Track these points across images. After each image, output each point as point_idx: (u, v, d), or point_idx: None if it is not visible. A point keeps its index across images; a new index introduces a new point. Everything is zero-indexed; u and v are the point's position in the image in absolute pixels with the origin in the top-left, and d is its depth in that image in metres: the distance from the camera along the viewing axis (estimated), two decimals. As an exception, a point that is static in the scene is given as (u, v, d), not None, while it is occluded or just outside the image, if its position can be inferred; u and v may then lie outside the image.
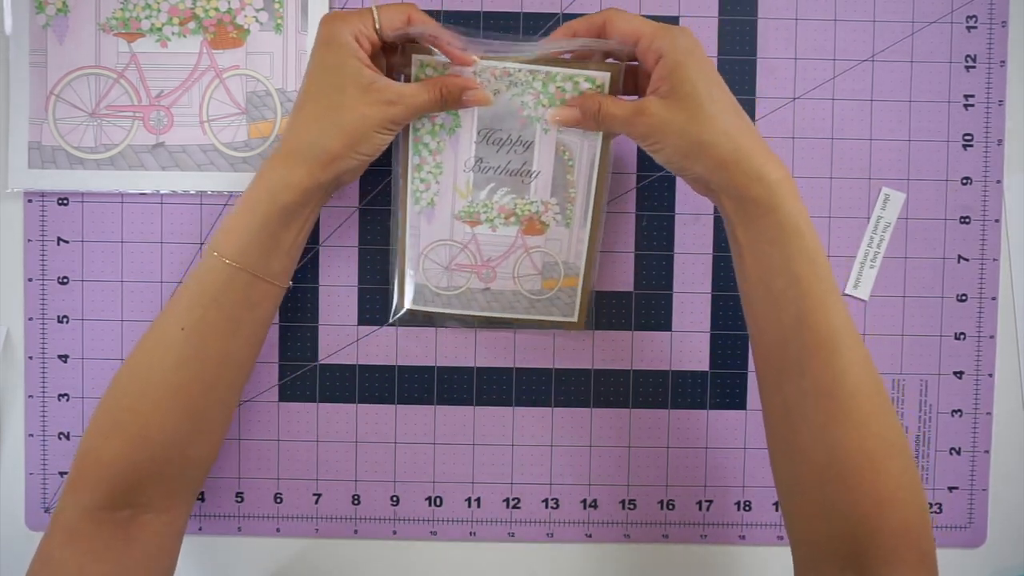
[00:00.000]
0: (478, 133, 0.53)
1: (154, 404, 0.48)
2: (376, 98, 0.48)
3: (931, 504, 0.59)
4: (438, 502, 0.59)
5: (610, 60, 0.51)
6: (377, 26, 0.48)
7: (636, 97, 0.51)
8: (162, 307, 0.57)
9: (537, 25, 0.57)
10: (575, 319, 0.56)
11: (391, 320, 0.57)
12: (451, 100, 0.51)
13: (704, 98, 0.46)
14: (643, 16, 0.49)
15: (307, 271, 0.58)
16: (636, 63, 0.50)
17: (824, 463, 0.44)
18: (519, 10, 0.57)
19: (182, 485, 0.50)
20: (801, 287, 0.45)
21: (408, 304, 0.56)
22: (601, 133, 0.52)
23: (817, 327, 0.45)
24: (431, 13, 0.57)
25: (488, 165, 0.53)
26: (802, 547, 0.47)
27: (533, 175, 0.53)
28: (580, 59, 0.51)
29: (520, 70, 0.51)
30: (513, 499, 0.59)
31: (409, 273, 0.55)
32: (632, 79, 0.52)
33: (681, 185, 0.58)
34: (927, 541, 0.44)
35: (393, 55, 0.52)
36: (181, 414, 0.49)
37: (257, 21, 0.57)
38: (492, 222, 0.54)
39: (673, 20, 0.57)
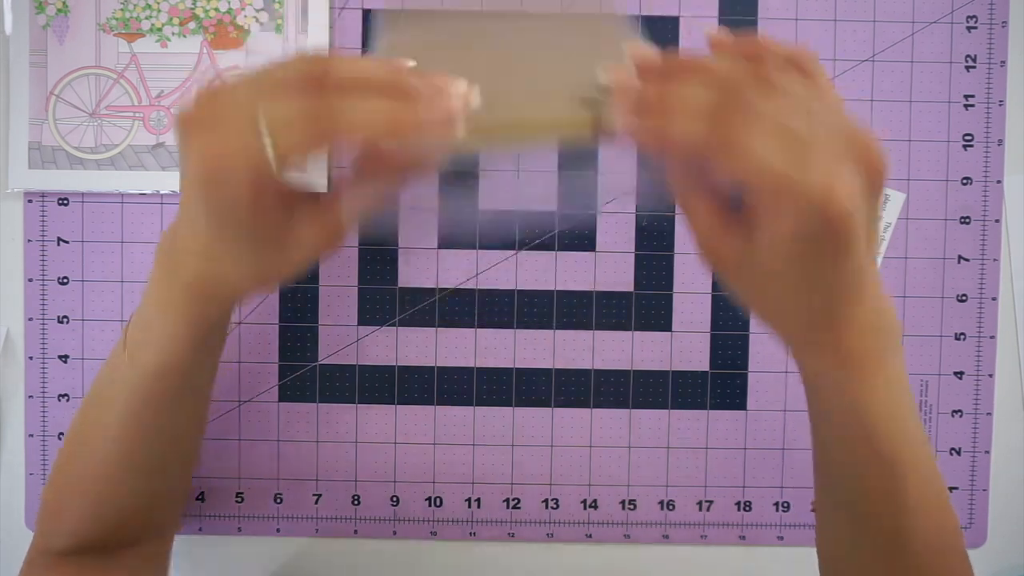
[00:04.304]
0: None
1: (104, 478, 0.45)
2: (264, 258, 0.37)
3: (931, 504, 0.59)
4: (438, 502, 0.59)
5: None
6: (270, 159, 0.32)
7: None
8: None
9: (537, 25, 0.57)
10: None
11: None
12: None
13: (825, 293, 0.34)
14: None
15: (307, 271, 0.58)
16: None
17: None
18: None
19: (154, 531, 0.50)
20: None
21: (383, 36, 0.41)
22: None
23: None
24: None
25: None
26: None
27: None
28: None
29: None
30: (513, 499, 0.59)
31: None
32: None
33: (681, 185, 0.58)
34: None
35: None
36: (134, 487, 0.46)
37: (257, 21, 0.57)
38: None
39: (673, 20, 0.57)
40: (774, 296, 0.35)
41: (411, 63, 0.33)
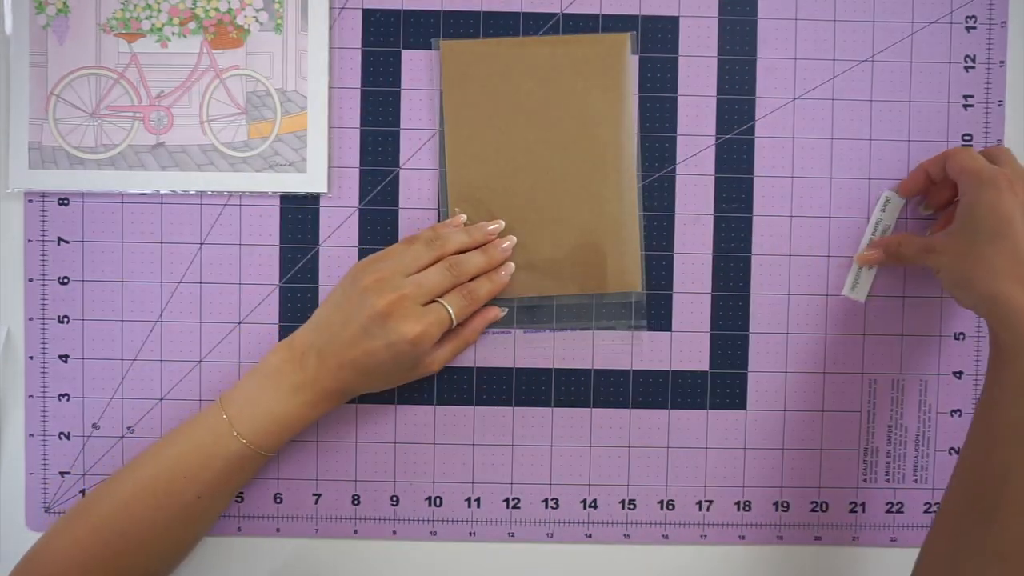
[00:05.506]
0: None
1: (168, 530, 0.52)
2: (413, 374, 0.54)
3: (931, 504, 0.59)
4: (438, 502, 0.59)
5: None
6: (453, 324, 0.53)
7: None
8: (162, 309, 0.57)
9: (537, 25, 0.57)
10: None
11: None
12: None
13: (982, 234, 0.49)
14: (975, 152, 0.52)
15: (307, 271, 0.58)
16: None
17: None
18: (519, 10, 0.57)
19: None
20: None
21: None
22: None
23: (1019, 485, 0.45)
24: (431, 13, 0.57)
25: None
26: None
27: None
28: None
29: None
30: (513, 499, 0.59)
31: None
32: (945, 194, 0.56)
33: (681, 185, 0.58)
34: None
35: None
36: (194, 539, 0.55)
37: (257, 21, 0.57)
38: None
39: (673, 20, 0.57)
40: (949, 283, 0.52)
41: (493, 226, 0.56)
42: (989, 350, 0.50)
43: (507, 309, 0.57)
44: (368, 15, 0.57)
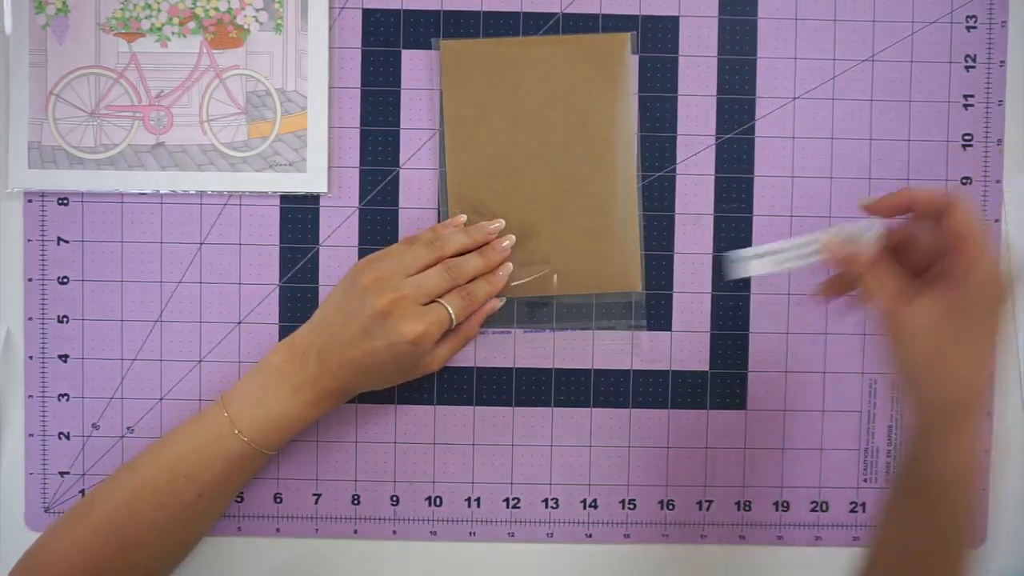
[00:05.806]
0: None
1: (170, 529, 0.52)
2: (413, 373, 0.54)
3: (931, 504, 0.59)
4: (438, 502, 0.59)
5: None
6: (452, 325, 0.53)
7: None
8: (162, 309, 0.57)
9: (537, 25, 0.57)
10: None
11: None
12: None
13: (977, 319, 0.42)
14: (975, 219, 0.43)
15: (307, 271, 0.58)
16: None
17: None
18: (519, 10, 0.57)
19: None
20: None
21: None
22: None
23: None
24: (431, 13, 0.57)
25: None
26: None
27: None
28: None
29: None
30: (513, 499, 0.59)
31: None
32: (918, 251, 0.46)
33: (681, 185, 0.58)
34: None
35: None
36: (193, 539, 0.56)
37: (257, 21, 0.57)
38: None
39: (673, 20, 0.57)
40: (952, 351, 0.43)
41: (494, 225, 0.56)
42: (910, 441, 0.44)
43: (504, 300, 0.57)
44: (368, 15, 0.57)
